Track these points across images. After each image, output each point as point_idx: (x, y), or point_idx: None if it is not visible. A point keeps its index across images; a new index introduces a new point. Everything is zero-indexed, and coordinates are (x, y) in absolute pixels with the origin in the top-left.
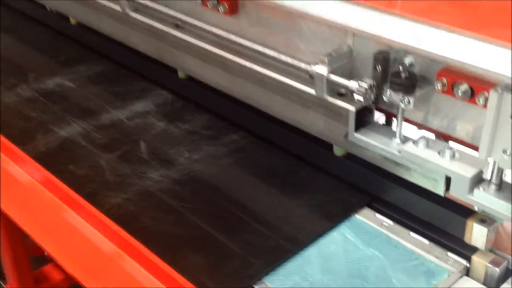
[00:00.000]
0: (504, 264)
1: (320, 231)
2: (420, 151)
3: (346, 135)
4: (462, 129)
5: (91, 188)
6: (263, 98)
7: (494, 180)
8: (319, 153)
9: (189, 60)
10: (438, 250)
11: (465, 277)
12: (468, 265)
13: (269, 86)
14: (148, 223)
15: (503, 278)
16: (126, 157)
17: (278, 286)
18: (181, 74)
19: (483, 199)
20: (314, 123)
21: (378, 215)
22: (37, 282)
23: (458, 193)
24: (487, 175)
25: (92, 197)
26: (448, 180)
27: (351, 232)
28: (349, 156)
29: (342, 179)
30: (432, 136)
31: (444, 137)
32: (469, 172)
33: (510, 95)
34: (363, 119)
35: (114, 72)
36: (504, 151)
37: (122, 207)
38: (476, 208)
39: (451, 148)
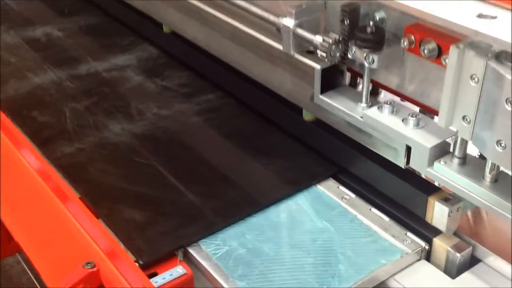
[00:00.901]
0: (468, 250)
1: (276, 197)
2: (383, 117)
3: (312, 97)
4: (435, 97)
5: (47, 135)
6: (236, 54)
7: (457, 153)
8: (289, 117)
9: (171, 12)
10: (397, 228)
11: (423, 261)
12: (427, 247)
13: (242, 42)
14: (95, 174)
15: (466, 266)
16: (92, 108)
17: (211, 250)
18: (165, 29)
19: (443, 173)
20: (282, 82)
21: (342, 188)
22: None
23: (418, 166)
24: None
25: (45, 144)
26: (409, 151)
27: (307, 202)
28: (319, 122)
29: (310, 146)
30: (402, 102)
31: (418, 105)
32: (430, 142)
33: (472, 52)
34: (333, 80)
35: (107, 25)
36: (464, 118)
37: (73, 157)
38: (436, 184)
39: (416, 116)
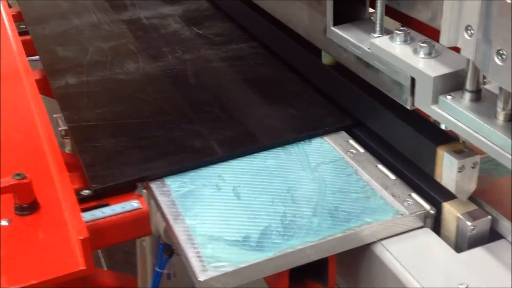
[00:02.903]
0: (484, 220)
1: (270, 141)
2: (392, 46)
3: (325, 30)
4: None
5: (60, 67)
6: None
7: (467, 85)
8: (308, 60)
9: None
10: (402, 188)
11: (425, 229)
12: (433, 212)
13: None
14: (86, 104)
15: (482, 241)
16: (117, 48)
17: (175, 187)
18: None
19: (448, 110)
20: (300, 18)
21: (352, 142)
22: None
23: (422, 103)
24: None
25: (55, 74)
26: (414, 86)
27: (304, 152)
28: (338, 67)
29: (328, 95)
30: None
31: None
32: (436, 71)
33: None
34: (352, 12)
35: None
36: (467, 29)
37: (75, 87)
38: (443, 127)
39: (429, 43)
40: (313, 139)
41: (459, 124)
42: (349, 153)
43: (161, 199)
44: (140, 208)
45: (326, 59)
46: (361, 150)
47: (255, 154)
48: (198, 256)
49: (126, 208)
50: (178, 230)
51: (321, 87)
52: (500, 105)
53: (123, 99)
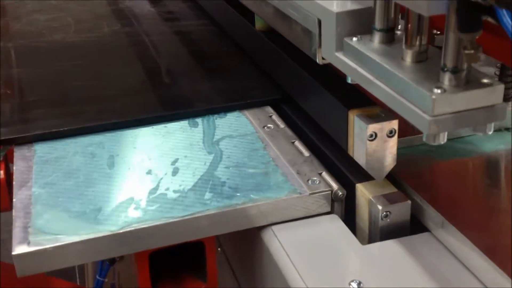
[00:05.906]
0: (401, 205)
1: (178, 112)
2: None
3: None
4: None
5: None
6: None
7: (376, 22)
8: (243, 27)
9: None
10: (312, 166)
11: (332, 216)
12: (341, 193)
13: None
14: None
15: (398, 231)
16: (53, 20)
17: (41, 154)
18: None
19: (352, 54)
20: None
21: (275, 117)
22: None
23: (327, 52)
24: None
25: None
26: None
27: (212, 124)
28: (270, 32)
29: (261, 67)
30: None
31: None
32: (341, 6)
33: None
34: None
35: None
36: None
37: None
38: (348, 79)
39: None
40: (229, 112)
41: (361, 71)
42: (265, 128)
43: (19, 165)
44: None
45: (258, 22)
46: (281, 125)
47: (154, 125)
48: (25, 227)
49: None
50: (18, 198)
51: (255, 57)
52: (406, 41)
53: (30, 64)
